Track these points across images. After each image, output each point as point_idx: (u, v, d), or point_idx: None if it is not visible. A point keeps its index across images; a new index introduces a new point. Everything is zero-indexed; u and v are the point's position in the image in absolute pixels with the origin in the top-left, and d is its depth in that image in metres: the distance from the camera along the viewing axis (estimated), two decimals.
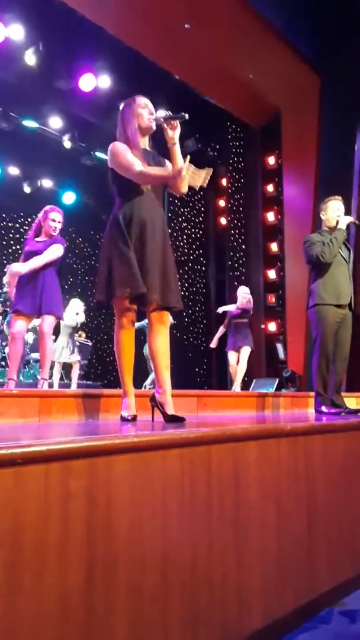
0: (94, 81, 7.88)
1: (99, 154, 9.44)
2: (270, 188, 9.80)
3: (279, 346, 8.74)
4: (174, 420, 2.31)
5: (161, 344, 2.44)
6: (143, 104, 2.51)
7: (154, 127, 2.50)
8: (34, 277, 3.89)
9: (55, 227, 4.09)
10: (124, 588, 1.23)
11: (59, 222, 4.13)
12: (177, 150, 2.45)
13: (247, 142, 10.00)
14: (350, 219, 3.55)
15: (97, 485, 1.21)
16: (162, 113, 2.46)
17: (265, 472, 1.73)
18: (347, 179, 7.85)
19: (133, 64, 7.94)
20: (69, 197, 10.90)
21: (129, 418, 2.41)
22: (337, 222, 3.54)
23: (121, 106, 2.56)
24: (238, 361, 6.51)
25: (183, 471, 1.44)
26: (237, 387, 6.47)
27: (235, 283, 6.64)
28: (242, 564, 1.58)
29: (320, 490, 1.97)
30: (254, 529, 1.64)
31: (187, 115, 2.38)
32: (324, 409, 3.40)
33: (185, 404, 3.49)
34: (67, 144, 9.01)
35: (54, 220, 4.08)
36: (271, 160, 9.76)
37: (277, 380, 7.55)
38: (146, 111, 2.50)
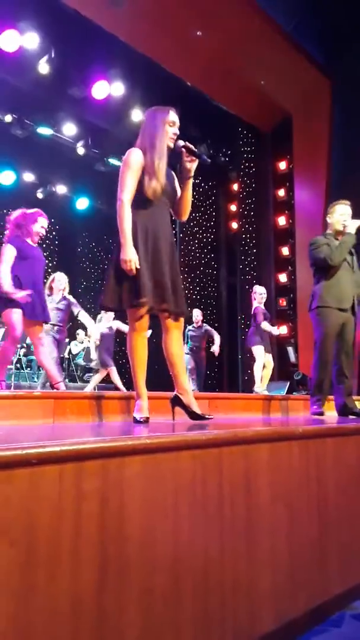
0: (107, 88, 7.97)
1: (112, 160, 9.53)
2: (281, 192, 9.80)
3: (290, 349, 8.72)
4: (201, 418, 2.43)
5: (178, 349, 2.51)
6: (172, 121, 2.51)
7: (172, 147, 2.51)
8: (37, 284, 3.95)
9: (42, 235, 4.08)
10: (136, 589, 1.24)
11: (46, 229, 4.13)
12: (190, 183, 2.52)
13: (258, 147, 10.02)
14: (359, 222, 3.54)
15: (109, 486, 1.23)
16: (181, 142, 2.48)
17: (277, 474, 1.73)
18: (359, 182, 7.82)
19: (145, 71, 8.01)
20: (82, 203, 11.01)
21: (142, 420, 2.44)
22: (345, 227, 3.53)
23: (151, 111, 2.56)
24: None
25: (195, 473, 1.46)
26: (262, 388, 6.59)
27: (247, 287, 6.68)
28: (253, 567, 1.58)
29: (331, 494, 1.97)
30: (265, 532, 1.65)
31: (209, 160, 2.50)
32: (315, 408, 3.46)
33: (198, 406, 3.48)
34: (80, 150, 9.11)
35: (43, 227, 4.05)
36: (282, 165, 9.76)
37: (288, 383, 7.54)
38: (172, 130, 2.51)
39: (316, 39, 7.81)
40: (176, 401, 2.53)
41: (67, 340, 6.03)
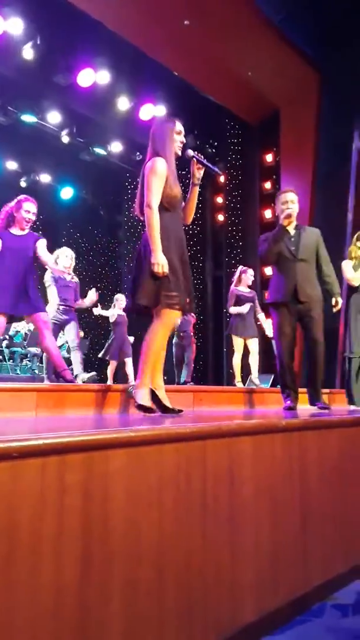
0: (93, 76, 7.87)
1: (97, 150, 9.43)
2: (267, 185, 9.80)
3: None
4: (172, 411, 2.54)
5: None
6: (179, 130, 2.67)
7: (179, 154, 2.68)
8: (23, 277, 3.81)
9: (30, 219, 3.92)
10: (119, 582, 1.24)
11: (33, 213, 3.95)
12: (197, 190, 2.70)
13: (246, 139, 9.99)
14: (286, 214, 3.41)
15: (93, 480, 1.22)
16: (191, 152, 2.66)
17: (260, 467, 1.74)
18: (345, 176, 7.86)
19: (132, 60, 7.92)
20: (67, 192, 10.88)
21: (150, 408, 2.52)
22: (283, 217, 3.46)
23: (158, 123, 2.72)
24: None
25: (179, 466, 1.46)
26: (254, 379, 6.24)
27: (233, 280, 6.61)
28: (236, 559, 1.59)
29: (313, 486, 1.99)
30: (248, 524, 1.66)
31: (220, 172, 2.75)
32: (285, 402, 3.47)
33: (182, 399, 3.51)
34: (65, 139, 8.99)
35: (28, 212, 3.89)
36: (269, 157, 9.76)
37: (273, 376, 7.56)
38: (180, 138, 2.67)
39: (305, 32, 7.79)
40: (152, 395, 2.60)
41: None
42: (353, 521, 2.20)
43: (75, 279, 5.21)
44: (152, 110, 8.70)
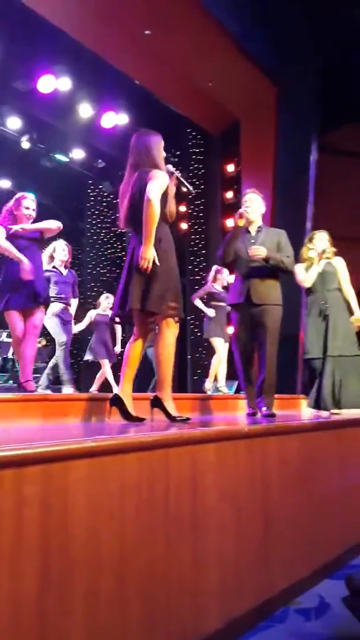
0: (54, 83, 7.79)
1: (58, 156, 9.33)
2: (229, 195, 9.93)
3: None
4: (181, 420, 2.53)
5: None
6: (162, 145, 2.81)
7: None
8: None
9: (30, 215, 3.91)
10: (80, 593, 1.22)
11: (33, 209, 3.94)
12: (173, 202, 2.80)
13: (207, 149, 10.11)
14: (239, 212, 3.39)
15: (53, 491, 1.20)
16: (171, 168, 2.79)
17: (223, 474, 1.75)
18: (303, 186, 8.05)
19: (94, 68, 7.90)
20: None
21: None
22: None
23: (149, 136, 2.79)
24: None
25: (141, 475, 1.45)
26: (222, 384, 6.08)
27: (196, 287, 6.59)
28: (199, 566, 1.59)
29: (276, 491, 2.01)
30: (212, 531, 1.66)
31: (193, 192, 2.95)
32: (248, 409, 3.46)
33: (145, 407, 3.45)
34: (25, 144, 8.87)
35: (27, 208, 3.89)
36: (230, 167, 9.90)
37: (238, 382, 7.59)
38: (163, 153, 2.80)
39: (264, 45, 7.95)
40: (157, 403, 2.61)
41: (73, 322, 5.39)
42: (315, 525, 2.23)
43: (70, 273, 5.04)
44: (114, 119, 8.70)
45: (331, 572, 2.21)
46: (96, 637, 1.24)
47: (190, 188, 2.90)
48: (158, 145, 2.76)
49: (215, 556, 1.65)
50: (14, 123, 8.58)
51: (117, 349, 6.69)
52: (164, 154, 2.80)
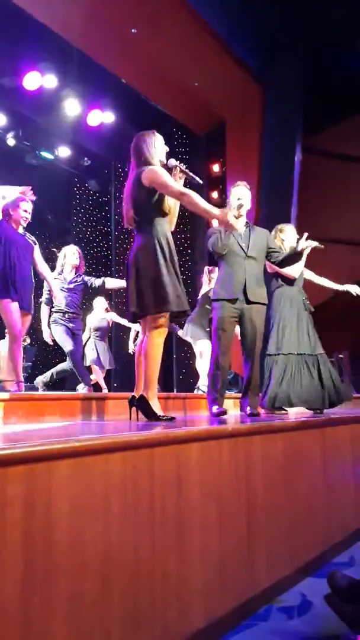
0: (40, 80, 7.73)
1: (44, 154, 9.26)
2: (215, 195, 9.96)
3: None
4: (162, 419, 2.54)
5: None
6: (162, 141, 2.85)
7: (165, 163, 2.83)
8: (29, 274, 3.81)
9: (26, 219, 3.91)
10: (63, 594, 1.22)
11: (29, 213, 3.93)
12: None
13: (193, 149, 10.11)
14: (231, 217, 3.23)
15: (36, 492, 1.19)
16: (174, 161, 2.83)
17: (207, 473, 1.75)
18: (288, 187, 8.11)
19: (80, 66, 7.85)
20: None
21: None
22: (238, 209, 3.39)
23: (146, 136, 2.82)
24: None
25: (125, 475, 1.44)
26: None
27: (202, 281, 6.49)
28: (183, 565, 1.59)
29: (259, 490, 2.02)
30: (196, 530, 1.66)
31: (201, 183, 2.90)
32: (214, 409, 3.20)
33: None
34: (10, 141, 8.78)
35: (25, 211, 3.89)
36: (216, 167, 9.92)
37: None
38: (164, 149, 2.84)
39: (249, 45, 7.99)
40: (135, 402, 2.64)
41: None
42: (298, 523, 2.25)
43: (85, 278, 4.88)
44: (100, 117, 8.66)
45: (314, 571, 2.23)
46: (79, 638, 1.23)
47: (197, 178, 2.90)
48: (149, 143, 2.78)
49: (198, 555, 1.66)
50: None
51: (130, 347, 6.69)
52: (162, 149, 2.81)
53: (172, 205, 2.76)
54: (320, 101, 8.10)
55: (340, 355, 7.53)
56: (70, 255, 4.90)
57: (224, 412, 3.18)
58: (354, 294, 4.18)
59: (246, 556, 1.89)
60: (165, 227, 2.71)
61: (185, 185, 2.81)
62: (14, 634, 1.10)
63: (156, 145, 2.79)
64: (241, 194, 3.49)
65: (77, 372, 4.86)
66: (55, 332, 4.79)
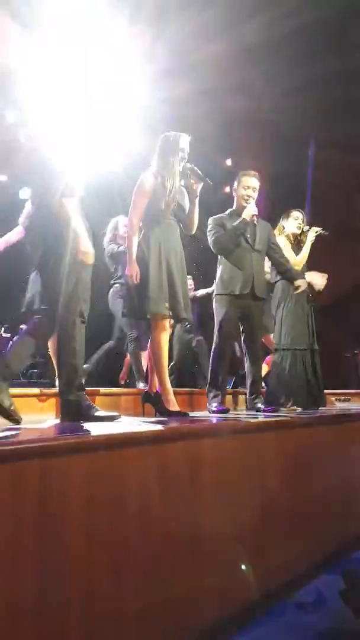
0: None
1: None
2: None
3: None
4: (178, 414, 2.51)
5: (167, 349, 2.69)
6: (182, 147, 2.70)
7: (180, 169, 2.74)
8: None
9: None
10: (78, 589, 1.22)
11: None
12: (197, 201, 2.76)
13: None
14: (252, 212, 3.19)
15: (51, 486, 1.19)
16: (188, 165, 2.71)
17: (221, 469, 1.74)
18: (301, 182, 8.03)
19: None
20: (25, 192, 10.59)
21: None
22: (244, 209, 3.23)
23: (168, 137, 2.72)
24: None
25: (139, 470, 1.44)
26: None
27: None
28: (197, 561, 1.58)
29: (273, 486, 2.01)
30: (210, 526, 1.65)
31: (210, 182, 2.76)
32: (213, 406, 3.08)
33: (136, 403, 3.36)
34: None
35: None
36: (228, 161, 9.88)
37: (234, 378, 7.53)
38: (182, 155, 2.70)
39: None
40: (148, 398, 2.64)
41: None
42: (313, 519, 2.23)
43: None
44: None
45: (329, 567, 2.21)
46: (94, 632, 1.23)
47: (205, 178, 2.74)
48: (173, 145, 2.68)
49: (213, 551, 1.65)
50: None
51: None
52: (168, 151, 2.69)
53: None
54: (334, 95, 7.97)
55: (356, 351, 7.45)
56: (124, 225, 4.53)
57: (226, 411, 3.05)
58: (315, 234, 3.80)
59: (260, 553, 1.87)
60: (158, 232, 2.65)
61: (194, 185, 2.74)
62: (29, 627, 1.10)
63: (174, 150, 2.70)
64: (251, 185, 3.30)
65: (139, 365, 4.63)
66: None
